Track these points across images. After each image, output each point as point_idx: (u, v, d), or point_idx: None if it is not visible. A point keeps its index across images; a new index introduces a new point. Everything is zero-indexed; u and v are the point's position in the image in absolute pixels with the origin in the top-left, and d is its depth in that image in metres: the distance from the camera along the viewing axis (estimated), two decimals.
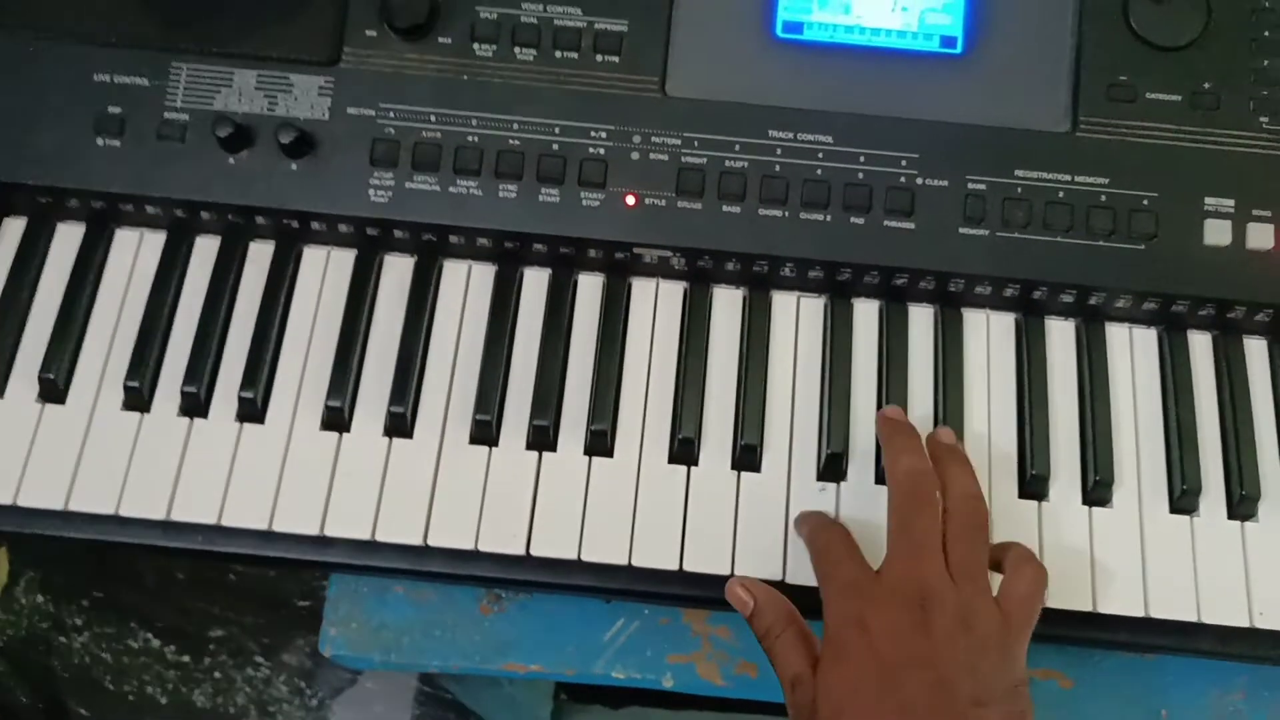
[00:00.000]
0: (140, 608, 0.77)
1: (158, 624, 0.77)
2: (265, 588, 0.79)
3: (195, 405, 0.68)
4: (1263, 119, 0.70)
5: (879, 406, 0.69)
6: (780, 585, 0.64)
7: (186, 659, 0.86)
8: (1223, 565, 0.66)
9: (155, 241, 0.72)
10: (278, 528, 0.65)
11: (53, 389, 0.68)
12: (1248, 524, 0.67)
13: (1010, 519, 0.67)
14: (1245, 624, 0.65)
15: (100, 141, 0.70)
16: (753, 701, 0.71)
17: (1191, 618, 0.65)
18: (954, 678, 0.55)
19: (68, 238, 0.72)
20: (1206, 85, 0.71)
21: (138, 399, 0.68)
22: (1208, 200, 0.70)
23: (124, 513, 0.65)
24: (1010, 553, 0.62)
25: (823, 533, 0.63)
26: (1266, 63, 0.71)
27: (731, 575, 0.65)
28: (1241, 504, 0.67)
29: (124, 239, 0.72)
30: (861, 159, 0.70)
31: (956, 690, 0.54)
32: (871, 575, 0.59)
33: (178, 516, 0.65)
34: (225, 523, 0.65)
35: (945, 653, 0.55)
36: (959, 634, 0.56)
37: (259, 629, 0.78)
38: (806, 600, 0.62)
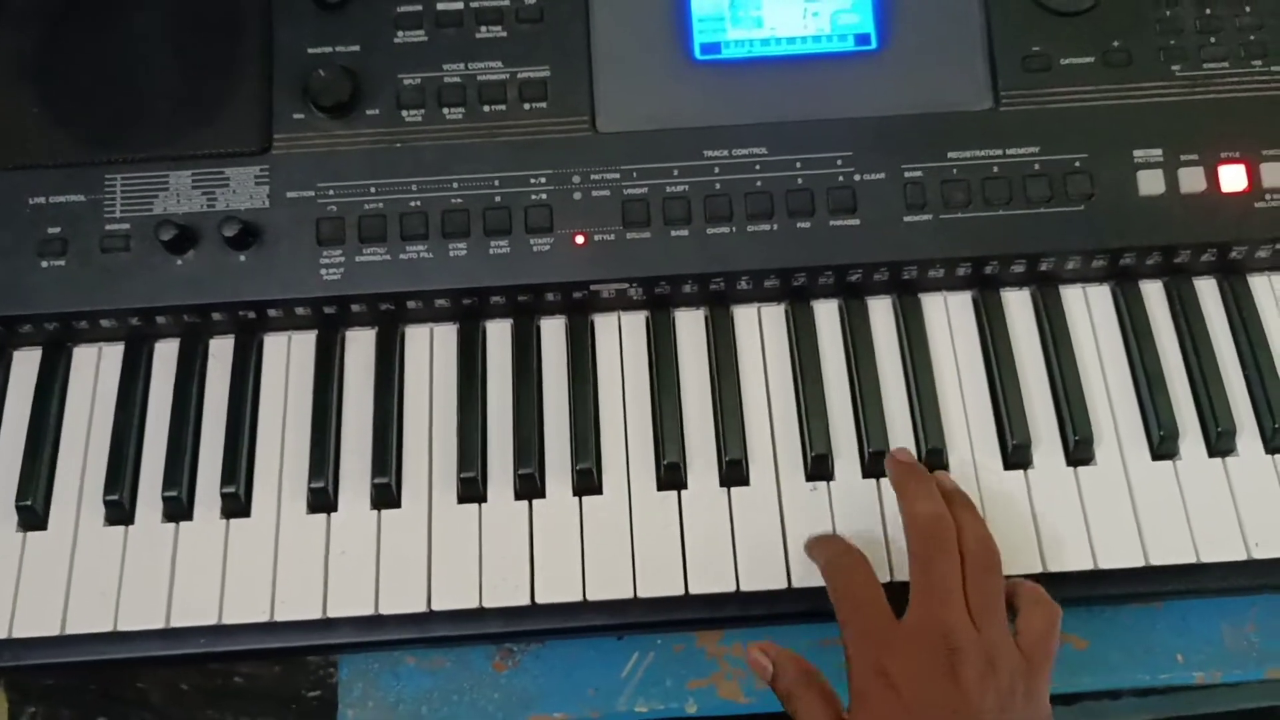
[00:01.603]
0: None
1: None
2: (273, 686, 0.78)
3: (178, 510, 0.67)
4: (1174, 67, 0.73)
5: (853, 402, 0.70)
6: (786, 592, 0.65)
7: None
8: (1212, 503, 0.67)
9: (114, 354, 0.72)
10: (280, 617, 0.65)
11: (32, 516, 0.67)
12: (1229, 459, 0.69)
13: (1000, 492, 0.68)
14: (1243, 557, 0.66)
15: (45, 264, 0.70)
16: (778, 714, 0.71)
17: (1191, 559, 0.66)
18: None
19: (25, 363, 0.72)
20: (1116, 44, 0.73)
21: (120, 512, 0.67)
22: (1137, 153, 0.71)
23: (122, 627, 0.64)
24: (1021, 592, 0.62)
25: (841, 571, 0.62)
26: (1169, 13, 0.73)
27: (737, 590, 0.65)
28: (1220, 440, 0.69)
29: (83, 356, 0.72)
30: (798, 164, 0.71)
31: None
32: (893, 620, 0.59)
33: (177, 622, 0.65)
34: (226, 620, 0.65)
35: (974, 697, 0.55)
36: (986, 677, 0.56)
37: None
38: (815, 601, 0.62)
